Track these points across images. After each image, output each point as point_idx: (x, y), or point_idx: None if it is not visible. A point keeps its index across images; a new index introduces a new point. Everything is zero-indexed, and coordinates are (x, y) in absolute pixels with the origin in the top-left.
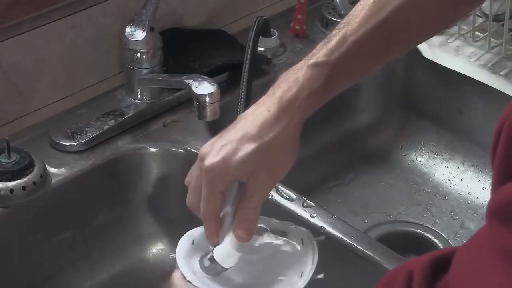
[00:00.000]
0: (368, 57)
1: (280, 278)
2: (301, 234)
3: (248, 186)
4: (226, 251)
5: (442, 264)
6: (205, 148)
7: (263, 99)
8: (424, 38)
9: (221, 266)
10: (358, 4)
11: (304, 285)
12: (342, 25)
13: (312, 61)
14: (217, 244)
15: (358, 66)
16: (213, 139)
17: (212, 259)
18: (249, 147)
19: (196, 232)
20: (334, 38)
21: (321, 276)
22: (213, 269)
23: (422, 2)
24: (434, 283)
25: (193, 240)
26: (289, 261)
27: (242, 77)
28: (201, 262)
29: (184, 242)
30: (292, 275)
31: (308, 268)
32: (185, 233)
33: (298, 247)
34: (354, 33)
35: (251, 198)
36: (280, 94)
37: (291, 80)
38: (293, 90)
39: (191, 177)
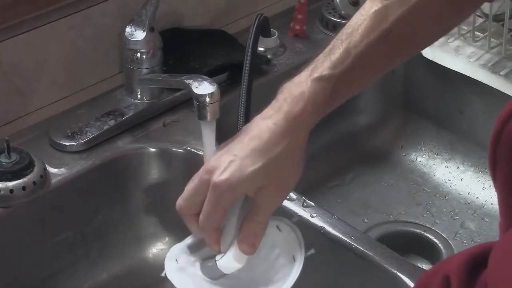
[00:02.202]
0: (371, 69)
1: (275, 269)
2: (273, 222)
3: (256, 201)
4: (229, 263)
5: (478, 263)
6: (211, 162)
7: (269, 112)
8: (426, 45)
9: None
10: (359, 13)
11: (301, 265)
12: (344, 37)
13: (316, 75)
14: (219, 251)
15: (361, 77)
16: (221, 152)
17: (214, 267)
18: (256, 163)
19: (177, 251)
20: (337, 51)
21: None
22: (214, 274)
23: (423, 11)
24: (472, 286)
25: (176, 260)
26: (275, 251)
27: (243, 75)
28: (202, 267)
29: (170, 265)
30: (285, 262)
31: (298, 249)
32: (185, 232)
33: (278, 235)
34: (358, 46)
35: (258, 213)
36: (287, 108)
37: (297, 94)
38: (300, 105)
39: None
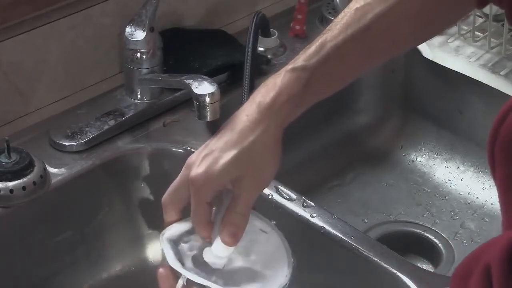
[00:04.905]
0: (348, 63)
1: (259, 257)
2: None
3: (234, 192)
4: (213, 255)
5: None
6: (192, 157)
7: (244, 105)
8: (408, 46)
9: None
10: (342, 11)
11: (280, 232)
12: (324, 32)
13: (290, 66)
14: (211, 243)
15: (338, 72)
16: (201, 148)
17: (203, 260)
18: (229, 155)
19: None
20: (314, 44)
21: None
22: (205, 268)
23: (403, 10)
24: None
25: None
26: (245, 240)
27: (245, 73)
28: (194, 259)
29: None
30: (269, 250)
31: (276, 236)
32: None
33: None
34: (334, 39)
35: (237, 203)
36: (259, 99)
37: (269, 85)
38: (271, 94)
39: None
